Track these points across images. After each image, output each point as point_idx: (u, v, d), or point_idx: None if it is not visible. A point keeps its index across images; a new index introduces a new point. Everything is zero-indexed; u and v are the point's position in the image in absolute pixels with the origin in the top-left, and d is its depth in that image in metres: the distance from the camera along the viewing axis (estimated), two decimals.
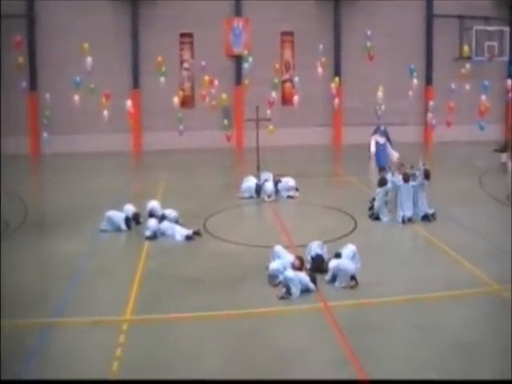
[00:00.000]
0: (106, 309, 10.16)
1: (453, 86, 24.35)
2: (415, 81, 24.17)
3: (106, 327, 9.47)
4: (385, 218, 15.96)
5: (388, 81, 29.02)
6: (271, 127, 23.38)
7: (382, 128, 21.50)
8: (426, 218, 15.68)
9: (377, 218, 16.02)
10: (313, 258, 11.83)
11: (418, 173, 16.16)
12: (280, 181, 19.71)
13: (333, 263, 11.19)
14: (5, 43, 27.72)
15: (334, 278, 11.11)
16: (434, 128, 26.33)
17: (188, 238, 14.47)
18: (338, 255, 11.52)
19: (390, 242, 14.39)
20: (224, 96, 24.15)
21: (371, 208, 16.52)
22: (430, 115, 25.23)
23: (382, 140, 21.55)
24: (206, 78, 24.35)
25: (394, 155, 21.14)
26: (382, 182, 16.24)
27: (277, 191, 19.36)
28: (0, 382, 7.59)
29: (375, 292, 10.72)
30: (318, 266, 11.62)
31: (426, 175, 16.17)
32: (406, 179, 15.93)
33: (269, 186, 19.16)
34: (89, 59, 20.61)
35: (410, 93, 24.96)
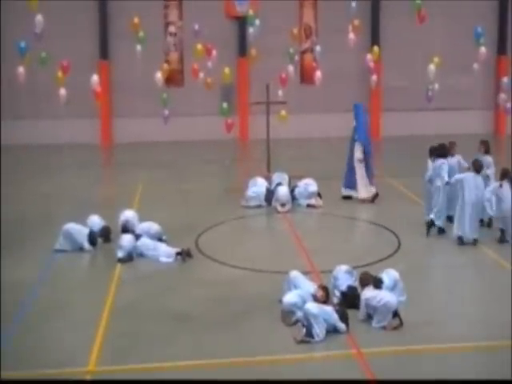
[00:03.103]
0: (62, 357, 10.10)
1: None
2: (483, 49, 24.03)
3: (62, 382, 9.46)
4: (440, 223, 16.03)
5: (445, 50, 29.03)
6: (283, 112, 23.39)
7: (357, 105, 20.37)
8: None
9: (440, 230, 15.99)
10: (344, 293, 11.81)
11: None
12: (297, 185, 19.77)
13: (366, 295, 11.16)
14: None
15: (369, 315, 11.09)
16: (508, 113, 26.19)
17: (175, 259, 14.49)
18: (377, 283, 11.48)
19: (446, 268, 14.31)
20: (226, 71, 24.18)
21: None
22: (502, 96, 25.11)
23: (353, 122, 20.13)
24: (199, 46, 24.39)
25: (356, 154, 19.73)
26: (479, 166, 15.57)
27: (293, 198, 19.38)
28: (0, 382, 8.57)
29: (425, 336, 10.66)
30: (351, 301, 11.60)
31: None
32: (478, 169, 15.51)
33: (283, 191, 19.17)
34: (39, 18, 20.51)
35: (476, 66, 24.84)
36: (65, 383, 8.66)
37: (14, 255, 14.98)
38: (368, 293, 11.19)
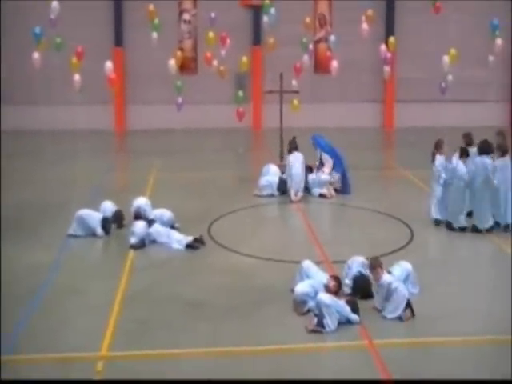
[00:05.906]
0: (75, 342, 10.15)
1: None
2: (499, 41, 23.89)
3: (74, 367, 9.48)
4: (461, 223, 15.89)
5: (460, 41, 28.76)
6: (295, 102, 23.30)
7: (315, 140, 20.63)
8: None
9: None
10: (354, 280, 11.82)
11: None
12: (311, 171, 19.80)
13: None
14: None
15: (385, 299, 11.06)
16: None
17: (187, 247, 14.53)
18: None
19: (460, 260, 14.26)
20: (244, 59, 24.07)
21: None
22: None
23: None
24: (211, 34, 24.28)
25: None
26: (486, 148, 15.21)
27: (306, 187, 19.38)
28: (0, 382, 8.69)
29: (438, 328, 10.65)
30: (361, 289, 11.63)
31: None
32: (504, 152, 15.47)
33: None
34: (54, 4, 20.53)
35: (491, 58, 24.70)
36: (65, 383, 8.67)
37: (28, 240, 15.05)
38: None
